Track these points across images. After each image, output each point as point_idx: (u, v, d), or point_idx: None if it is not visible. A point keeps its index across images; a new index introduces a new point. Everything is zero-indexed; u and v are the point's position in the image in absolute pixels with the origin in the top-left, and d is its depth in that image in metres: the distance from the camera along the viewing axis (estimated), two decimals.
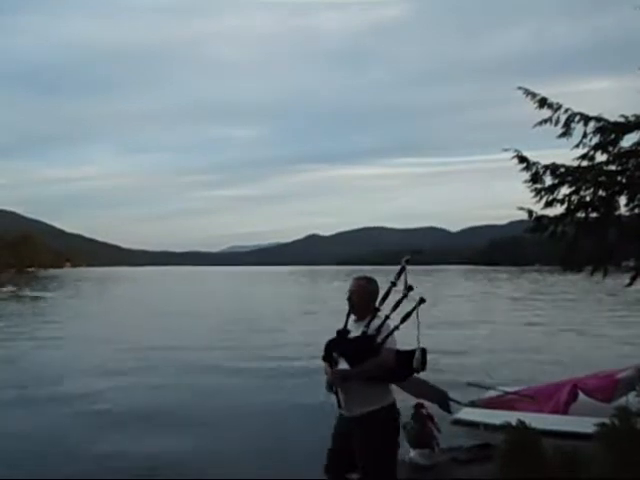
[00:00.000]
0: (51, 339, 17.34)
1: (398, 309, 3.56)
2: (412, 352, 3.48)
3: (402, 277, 3.56)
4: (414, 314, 3.49)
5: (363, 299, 3.57)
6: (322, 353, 3.62)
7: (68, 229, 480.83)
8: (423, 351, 3.46)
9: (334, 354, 3.47)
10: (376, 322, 3.44)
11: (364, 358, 3.34)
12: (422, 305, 3.50)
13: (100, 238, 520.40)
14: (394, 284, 3.58)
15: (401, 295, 3.54)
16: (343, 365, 3.41)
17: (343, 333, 3.57)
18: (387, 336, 3.39)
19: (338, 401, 3.50)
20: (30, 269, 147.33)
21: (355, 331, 3.50)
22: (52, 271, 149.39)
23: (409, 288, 3.50)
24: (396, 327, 3.43)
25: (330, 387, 3.50)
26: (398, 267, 3.65)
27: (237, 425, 8.12)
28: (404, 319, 3.47)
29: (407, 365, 3.41)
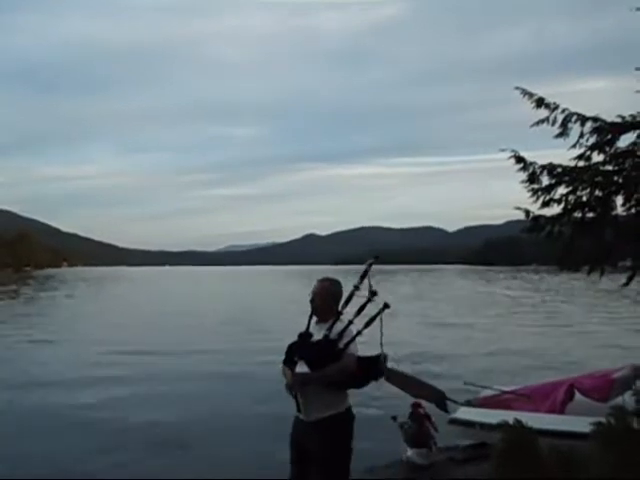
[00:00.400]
0: (39, 341, 17.13)
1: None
2: (373, 358, 3.47)
3: (366, 281, 3.50)
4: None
5: (326, 301, 3.51)
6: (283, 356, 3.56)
7: (64, 228, 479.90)
8: (382, 357, 3.47)
9: (295, 358, 3.41)
10: (339, 326, 3.40)
11: (325, 363, 3.30)
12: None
13: (97, 237, 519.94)
14: (357, 288, 3.49)
15: (366, 299, 3.47)
16: (303, 369, 3.35)
17: (305, 336, 3.51)
18: (350, 341, 3.34)
19: (297, 405, 3.45)
20: (27, 268, 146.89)
21: (317, 334, 3.45)
22: (49, 270, 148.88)
23: (373, 293, 3.43)
24: (359, 332, 3.39)
25: (289, 390, 3.44)
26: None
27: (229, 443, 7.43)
28: (367, 324, 3.43)
29: (368, 371, 3.42)
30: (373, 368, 3.46)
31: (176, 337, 17.93)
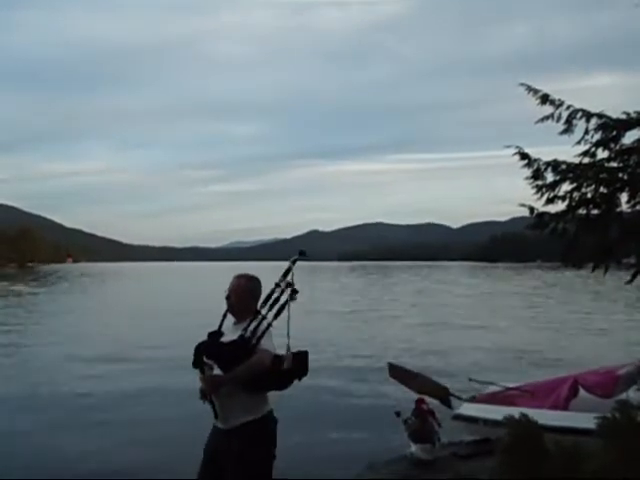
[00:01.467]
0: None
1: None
2: (302, 354, 3.16)
3: (288, 277, 3.21)
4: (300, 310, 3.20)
5: (242, 299, 3.27)
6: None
7: (68, 224, 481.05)
8: (304, 354, 3.17)
9: (205, 359, 3.14)
10: (254, 324, 3.15)
11: (238, 362, 3.03)
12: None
13: (100, 233, 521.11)
14: (278, 285, 3.21)
15: (284, 295, 3.20)
16: (215, 371, 3.12)
17: (215, 336, 3.26)
18: (261, 336, 3.09)
19: (214, 411, 3.19)
20: (31, 264, 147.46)
21: (233, 335, 3.19)
22: (53, 266, 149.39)
23: (293, 291, 3.16)
24: (269, 325, 3.15)
25: (204, 396, 3.18)
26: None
27: None
28: (277, 314, 3.18)
29: (289, 370, 3.10)
30: (299, 366, 3.14)
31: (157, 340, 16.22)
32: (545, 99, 6.23)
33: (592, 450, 2.84)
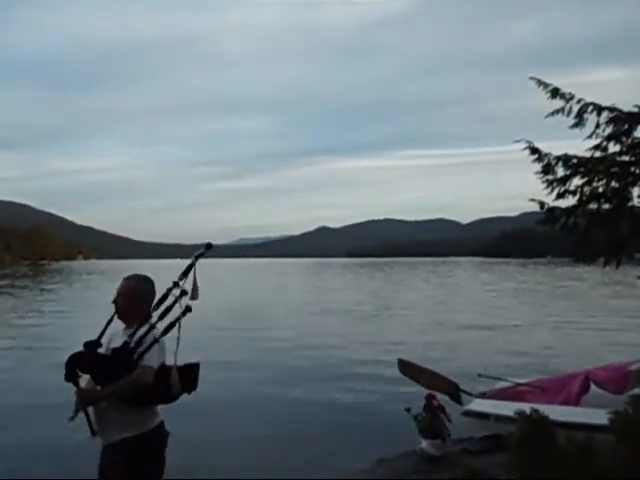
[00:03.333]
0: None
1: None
2: (193, 367, 2.96)
3: (190, 277, 2.96)
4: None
5: (130, 303, 3.00)
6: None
7: (79, 221, 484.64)
8: (193, 368, 2.95)
9: (78, 371, 2.89)
10: (142, 332, 2.90)
11: (114, 376, 2.79)
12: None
13: (111, 230, 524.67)
14: (177, 284, 2.94)
15: (174, 299, 2.93)
16: (89, 384, 2.92)
17: (91, 346, 2.96)
18: (145, 350, 2.83)
19: (90, 427, 2.88)
20: (43, 261, 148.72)
21: (120, 340, 2.94)
22: (64, 263, 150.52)
23: (183, 292, 2.91)
24: (156, 340, 2.87)
25: (77, 410, 2.89)
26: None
27: None
28: (167, 329, 2.90)
29: (182, 383, 2.87)
30: (187, 382, 2.91)
31: None
32: (555, 93, 6.18)
33: (604, 446, 2.82)
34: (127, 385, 2.77)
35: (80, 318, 20.36)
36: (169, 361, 2.93)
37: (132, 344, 2.87)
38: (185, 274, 2.96)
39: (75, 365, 2.89)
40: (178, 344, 2.84)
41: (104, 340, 3.03)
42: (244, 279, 52.86)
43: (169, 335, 2.95)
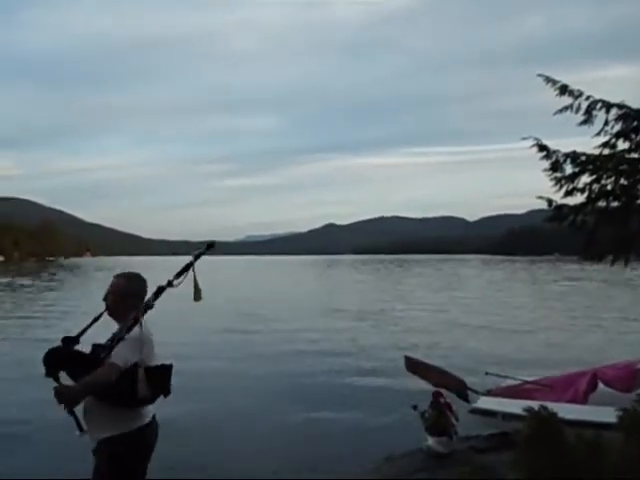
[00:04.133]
0: None
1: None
2: (165, 368, 2.90)
3: (187, 275, 2.92)
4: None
5: (120, 301, 2.97)
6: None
7: (88, 219, 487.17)
8: (165, 369, 2.88)
9: (55, 367, 2.84)
10: (118, 328, 2.91)
11: (81, 372, 2.74)
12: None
13: (119, 228, 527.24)
14: (170, 283, 2.92)
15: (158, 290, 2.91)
16: (66, 380, 2.82)
17: (68, 341, 2.93)
18: (112, 348, 2.78)
19: (78, 424, 2.83)
20: (51, 258, 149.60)
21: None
22: (73, 260, 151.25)
23: (160, 289, 2.89)
24: (121, 338, 2.81)
25: (71, 414, 2.81)
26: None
27: None
28: (130, 326, 2.85)
29: (155, 385, 2.81)
30: (157, 385, 2.83)
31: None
32: (564, 90, 6.14)
33: (613, 444, 2.81)
34: (89, 382, 2.70)
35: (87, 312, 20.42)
36: (157, 361, 2.87)
37: (110, 341, 2.85)
38: (180, 274, 2.93)
39: (50, 361, 2.84)
40: (142, 335, 2.79)
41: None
42: (251, 278, 52.84)
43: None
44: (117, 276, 3.08)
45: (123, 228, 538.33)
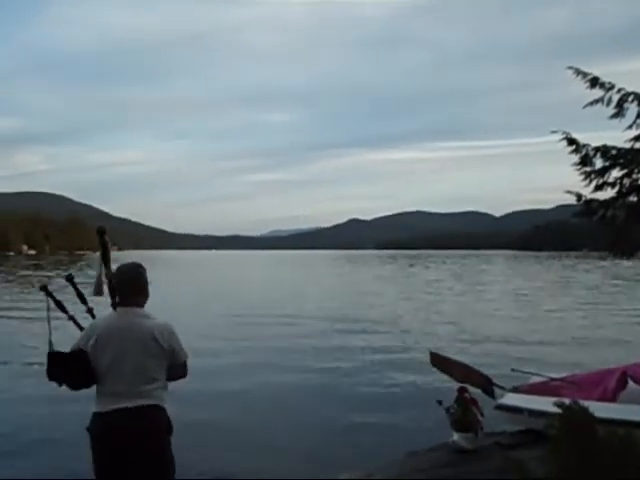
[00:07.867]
0: None
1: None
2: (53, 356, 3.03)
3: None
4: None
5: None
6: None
7: (115, 213, 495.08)
8: (58, 357, 3.04)
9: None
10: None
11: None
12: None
13: (146, 222, 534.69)
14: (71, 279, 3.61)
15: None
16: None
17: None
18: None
19: None
20: (80, 252, 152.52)
21: None
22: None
23: (43, 289, 3.35)
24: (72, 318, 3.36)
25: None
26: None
27: None
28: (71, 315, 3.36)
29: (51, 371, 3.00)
30: (55, 367, 2.99)
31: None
32: (595, 82, 6.03)
33: None
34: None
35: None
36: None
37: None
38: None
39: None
40: (50, 331, 3.10)
41: None
42: (277, 274, 53.19)
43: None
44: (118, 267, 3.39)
45: (149, 222, 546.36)
